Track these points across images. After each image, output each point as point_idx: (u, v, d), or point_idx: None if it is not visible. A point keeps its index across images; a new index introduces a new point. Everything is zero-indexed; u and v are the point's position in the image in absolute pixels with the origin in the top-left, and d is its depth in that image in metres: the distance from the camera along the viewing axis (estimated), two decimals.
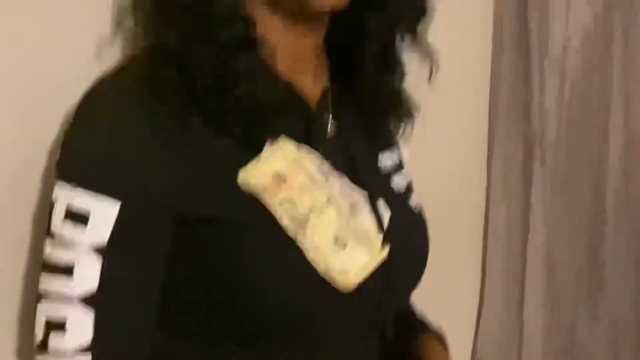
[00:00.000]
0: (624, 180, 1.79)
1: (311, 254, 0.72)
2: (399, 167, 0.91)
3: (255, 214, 0.73)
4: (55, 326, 0.69)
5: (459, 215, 1.52)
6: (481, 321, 1.59)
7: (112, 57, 0.83)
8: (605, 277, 1.79)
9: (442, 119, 1.32)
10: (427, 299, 0.99)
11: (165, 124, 0.70)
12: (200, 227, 0.73)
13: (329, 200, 0.76)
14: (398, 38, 0.85)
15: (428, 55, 0.87)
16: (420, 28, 0.85)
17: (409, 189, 0.91)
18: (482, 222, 1.58)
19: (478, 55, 1.49)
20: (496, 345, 1.59)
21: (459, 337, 1.53)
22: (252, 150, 0.75)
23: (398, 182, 0.88)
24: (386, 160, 0.89)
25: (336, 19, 0.82)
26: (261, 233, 0.73)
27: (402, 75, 0.89)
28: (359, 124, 0.87)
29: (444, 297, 1.45)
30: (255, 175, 0.74)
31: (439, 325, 0.99)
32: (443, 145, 1.41)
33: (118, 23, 0.81)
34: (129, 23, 0.81)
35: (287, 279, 0.73)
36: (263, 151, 0.75)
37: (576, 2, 1.52)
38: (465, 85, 1.46)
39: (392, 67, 0.87)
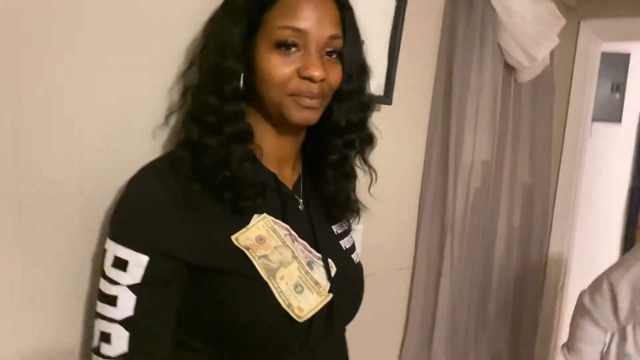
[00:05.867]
0: (505, 256, 1.80)
1: (278, 295, 0.69)
2: (347, 233, 0.87)
3: (241, 264, 0.69)
4: (105, 338, 0.66)
5: (393, 269, 1.50)
6: (403, 348, 1.55)
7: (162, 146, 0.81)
8: (489, 321, 1.77)
9: (386, 211, 1.32)
10: (364, 329, 0.94)
11: (179, 200, 0.68)
12: (203, 272, 0.69)
13: (293, 257, 0.73)
14: (351, 156, 0.82)
15: (370, 172, 0.85)
16: (367, 153, 0.83)
17: (353, 247, 0.87)
18: (410, 275, 1.55)
19: (412, 172, 1.50)
20: None
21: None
22: (243, 219, 0.72)
23: (344, 244, 0.84)
24: (337, 228, 0.85)
25: (311, 137, 0.80)
26: (245, 277, 0.69)
27: (353, 179, 0.85)
28: (320, 203, 0.83)
29: (375, 329, 1.41)
30: (244, 238, 0.71)
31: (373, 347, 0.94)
32: (387, 225, 1.40)
33: (167, 119, 0.80)
34: (174, 120, 0.79)
35: (261, 310, 0.69)
36: (251, 221, 0.72)
37: (480, 141, 1.54)
38: (402, 190, 1.47)
39: (346, 174, 0.83)
